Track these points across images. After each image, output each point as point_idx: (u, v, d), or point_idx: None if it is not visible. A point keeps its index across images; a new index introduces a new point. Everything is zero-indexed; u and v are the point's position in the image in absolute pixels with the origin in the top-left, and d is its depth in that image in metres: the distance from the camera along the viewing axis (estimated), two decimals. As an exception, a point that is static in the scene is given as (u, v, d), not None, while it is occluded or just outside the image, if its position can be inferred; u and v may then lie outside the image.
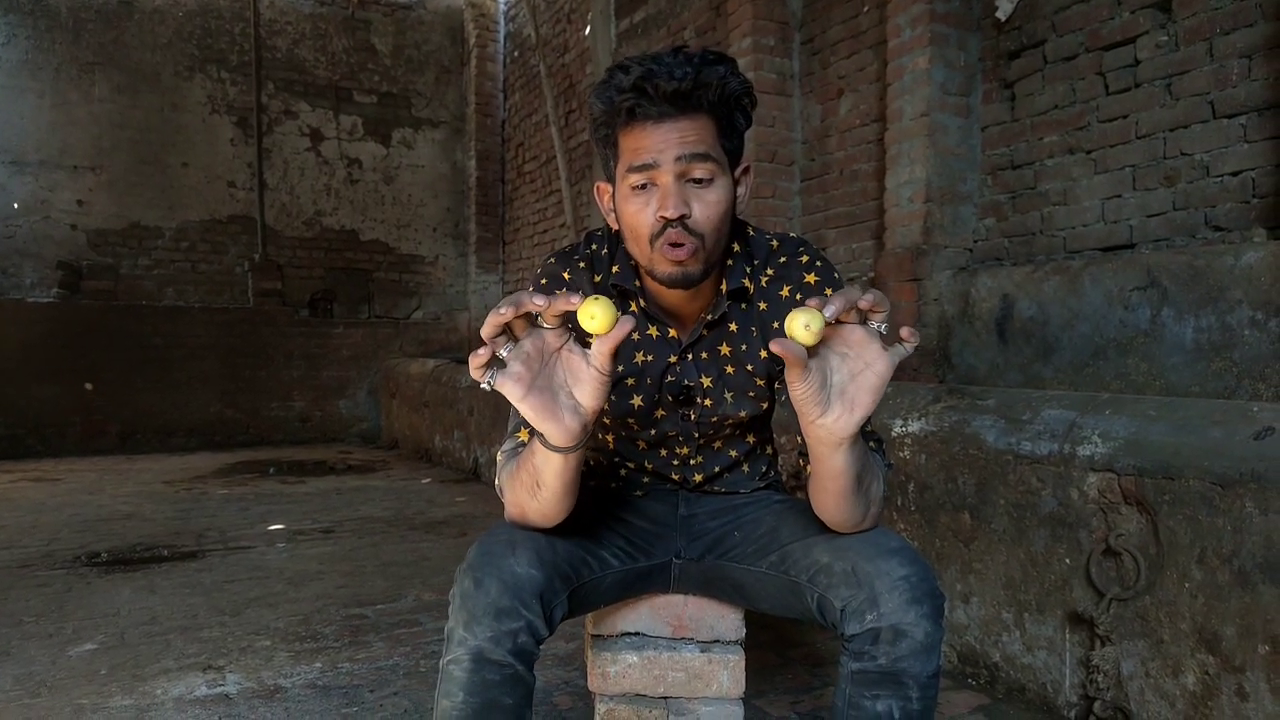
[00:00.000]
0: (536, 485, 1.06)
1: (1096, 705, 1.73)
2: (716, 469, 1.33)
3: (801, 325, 0.88)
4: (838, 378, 0.95)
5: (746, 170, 1.20)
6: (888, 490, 1.15)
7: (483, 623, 1.02)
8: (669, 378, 1.24)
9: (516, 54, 7.60)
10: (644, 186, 1.11)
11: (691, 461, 1.32)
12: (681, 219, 1.09)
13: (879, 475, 1.10)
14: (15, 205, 6.45)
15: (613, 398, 1.24)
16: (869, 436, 1.15)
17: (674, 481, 1.34)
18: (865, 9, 3.68)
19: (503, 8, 7.82)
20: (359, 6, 7.63)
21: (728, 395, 1.25)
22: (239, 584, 2.92)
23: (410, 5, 7.87)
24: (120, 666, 2.18)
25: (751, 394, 1.26)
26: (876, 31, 3.59)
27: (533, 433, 1.05)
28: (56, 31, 6.57)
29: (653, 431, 1.28)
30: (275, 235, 7.35)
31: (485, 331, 0.92)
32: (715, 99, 1.10)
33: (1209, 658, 1.57)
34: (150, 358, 6.70)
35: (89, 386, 6.44)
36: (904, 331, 0.93)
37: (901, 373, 3.22)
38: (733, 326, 1.24)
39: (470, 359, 0.92)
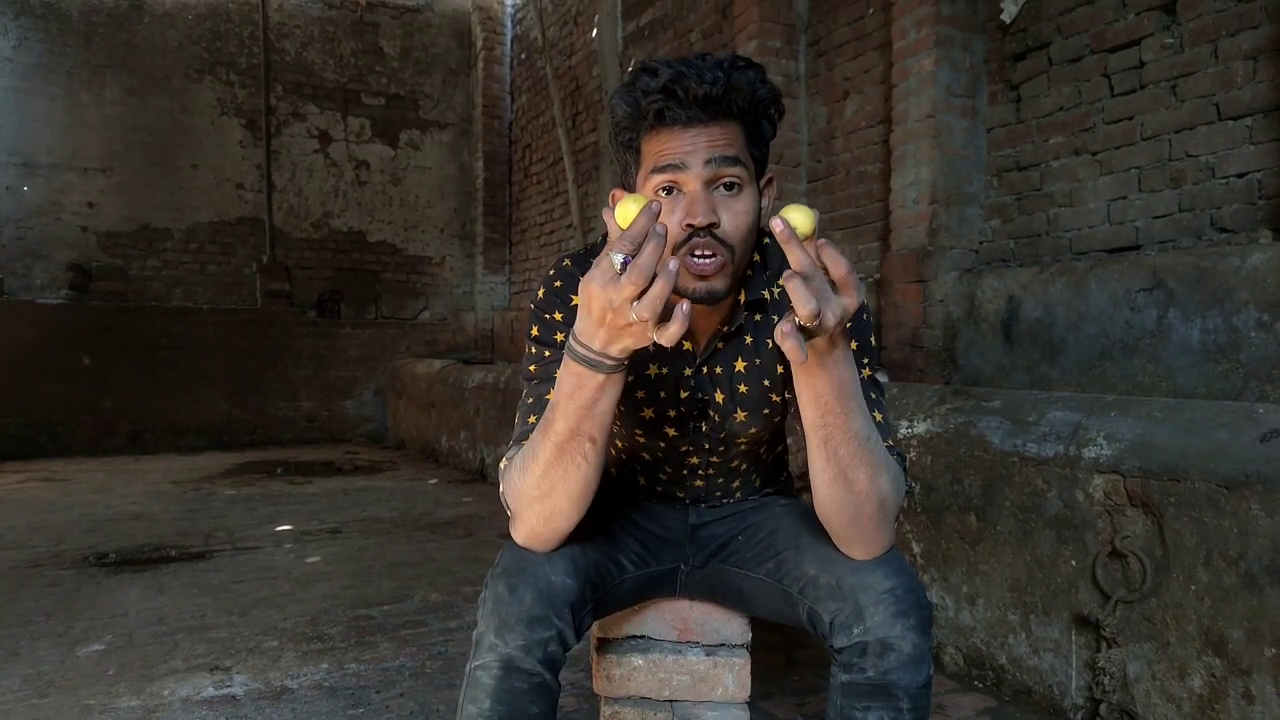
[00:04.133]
0: (591, 441, 0.99)
1: (1102, 708, 1.73)
2: (726, 481, 1.32)
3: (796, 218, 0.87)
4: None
5: (770, 182, 1.15)
6: (900, 499, 1.08)
7: (515, 630, 1.01)
8: (683, 391, 1.20)
9: (523, 56, 7.61)
10: (668, 191, 1.06)
11: (700, 472, 1.29)
12: (710, 228, 1.03)
13: (874, 467, 1.00)
14: (26, 206, 6.49)
15: (622, 408, 1.20)
16: (891, 450, 1.08)
17: (684, 490, 1.32)
18: (871, 11, 3.68)
19: (510, 10, 7.84)
20: (367, 9, 7.66)
21: (740, 414, 1.21)
22: (246, 584, 2.94)
23: (418, 8, 7.90)
24: (128, 667, 2.19)
25: (766, 410, 1.22)
26: (882, 33, 3.59)
27: (560, 375, 0.99)
28: (68, 35, 6.62)
29: (662, 444, 1.26)
30: (283, 236, 7.39)
31: (650, 312, 0.85)
32: (745, 105, 1.06)
33: (1215, 660, 1.57)
34: (159, 358, 6.74)
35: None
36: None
37: (907, 373, 3.22)
38: (749, 339, 1.19)
39: (663, 337, 0.86)
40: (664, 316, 0.87)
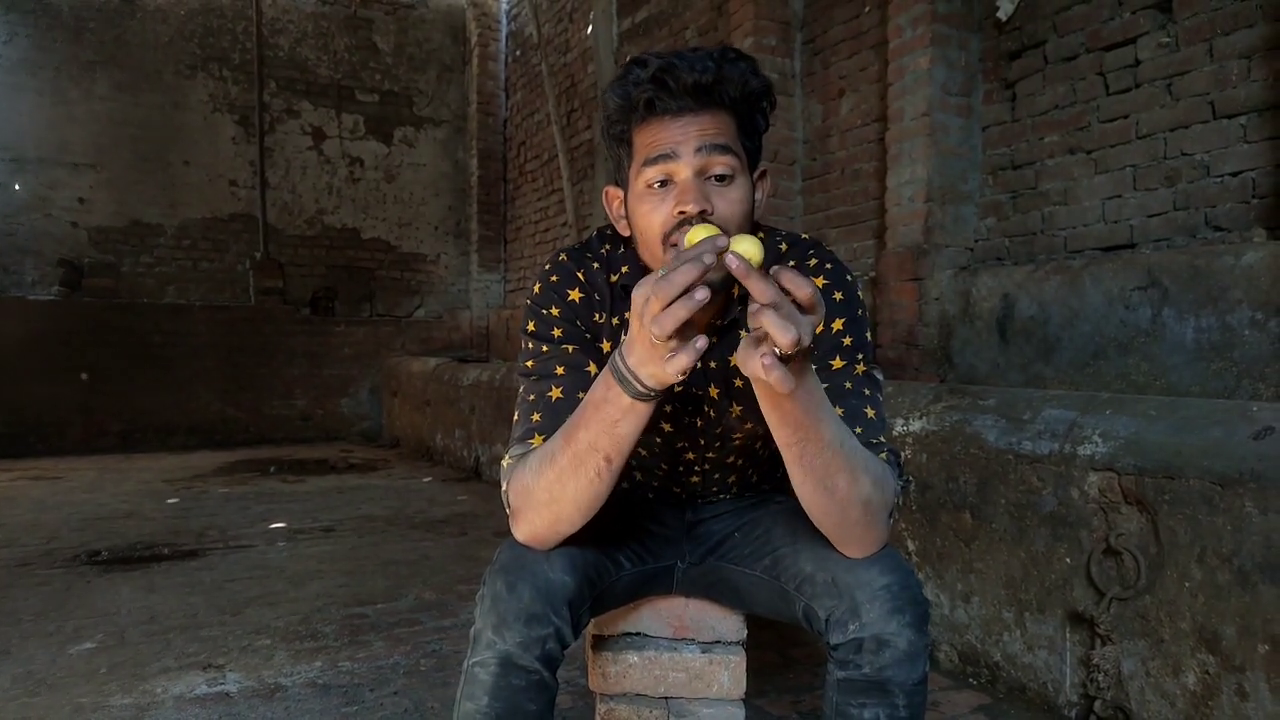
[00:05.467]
0: (607, 460, 0.99)
1: (1097, 704, 1.73)
2: (723, 477, 1.31)
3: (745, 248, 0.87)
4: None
5: (764, 174, 1.15)
6: (889, 497, 1.07)
7: (513, 628, 1.01)
8: (677, 386, 1.18)
9: (518, 53, 7.60)
10: (662, 184, 1.06)
11: (697, 468, 1.29)
12: (702, 214, 1.03)
13: (852, 471, 0.98)
14: (15, 202, 6.46)
15: None
16: (879, 447, 1.07)
17: (681, 486, 1.32)
18: (866, 9, 3.68)
19: (504, 7, 7.83)
20: (361, 5, 7.63)
21: (735, 408, 1.21)
22: (239, 583, 2.93)
23: (412, 4, 7.87)
24: (120, 665, 2.18)
25: None
26: (878, 31, 3.59)
27: (584, 398, 1.00)
28: (58, 30, 6.58)
29: (658, 439, 1.25)
30: (277, 233, 7.36)
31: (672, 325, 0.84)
32: (736, 95, 1.06)
33: (1209, 657, 1.57)
34: (151, 356, 6.70)
35: (84, 377, 6.44)
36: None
37: (902, 371, 3.22)
38: (743, 333, 1.16)
39: (672, 365, 0.87)
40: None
